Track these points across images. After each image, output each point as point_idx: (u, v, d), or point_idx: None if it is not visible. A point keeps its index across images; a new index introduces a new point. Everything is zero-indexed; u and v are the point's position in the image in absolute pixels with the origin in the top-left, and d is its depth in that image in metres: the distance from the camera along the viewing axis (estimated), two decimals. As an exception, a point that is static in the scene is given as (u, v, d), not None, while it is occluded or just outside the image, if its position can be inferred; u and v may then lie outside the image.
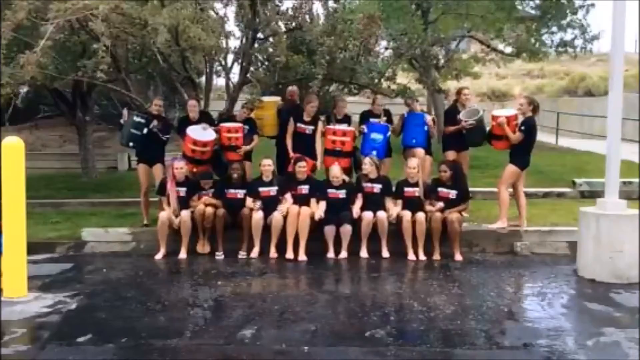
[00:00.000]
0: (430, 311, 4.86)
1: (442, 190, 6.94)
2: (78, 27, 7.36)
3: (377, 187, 7.01)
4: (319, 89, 8.17)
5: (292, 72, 8.46)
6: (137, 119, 7.35)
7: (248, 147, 7.48)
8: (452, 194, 6.92)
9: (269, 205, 6.87)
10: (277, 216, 6.75)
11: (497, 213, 7.37)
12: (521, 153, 7.02)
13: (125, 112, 7.56)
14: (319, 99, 7.87)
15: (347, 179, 7.15)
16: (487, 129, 7.44)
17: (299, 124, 7.51)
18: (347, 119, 7.74)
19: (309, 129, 7.51)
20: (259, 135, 7.74)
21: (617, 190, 5.98)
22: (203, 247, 6.92)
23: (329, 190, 6.95)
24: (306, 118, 7.50)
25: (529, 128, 6.91)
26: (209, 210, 6.80)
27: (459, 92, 7.87)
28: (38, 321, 4.69)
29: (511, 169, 7.04)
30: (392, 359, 3.91)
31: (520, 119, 7.05)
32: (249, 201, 6.92)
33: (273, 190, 7.00)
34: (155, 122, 7.38)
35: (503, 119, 6.97)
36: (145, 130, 7.32)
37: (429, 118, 7.71)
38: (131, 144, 7.49)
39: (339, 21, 7.95)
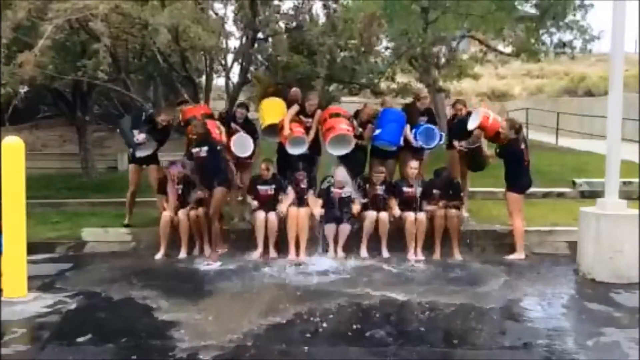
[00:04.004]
0: (430, 311, 4.86)
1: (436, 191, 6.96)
2: (78, 27, 7.36)
3: (380, 188, 7.02)
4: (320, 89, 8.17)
5: (292, 72, 8.47)
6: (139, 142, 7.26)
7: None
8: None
9: (268, 204, 6.88)
10: (272, 217, 6.75)
11: (497, 213, 7.38)
12: (515, 176, 6.72)
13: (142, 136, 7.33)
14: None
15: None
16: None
17: (301, 116, 7.51)
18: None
19: (309, 121, 7.52)
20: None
21: (617, 190, 5.98)
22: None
23: (333, 189, 6.95)
24: (307, 112, 7.51)
25: (507, 153, 6.71)
26: (196, 212, 6.82)
27: (454, 104, 7.96)
28: (38, 321, 4.69)
29: (511, 197, 6.73)
30: (392, 359, 3.91)
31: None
32: (249, 199, 6.98)
33: (271, 189, 7.00)
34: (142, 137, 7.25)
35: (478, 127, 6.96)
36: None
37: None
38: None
39: (339, 20, 7.96)
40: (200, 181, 6.83)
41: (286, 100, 7.77)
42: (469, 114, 7.69)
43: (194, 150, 6.72)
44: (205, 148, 6.62)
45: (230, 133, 7.45)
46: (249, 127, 7.61)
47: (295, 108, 7.45)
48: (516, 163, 6.70)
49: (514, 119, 7.27)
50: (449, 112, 8.06)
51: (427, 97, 8.07)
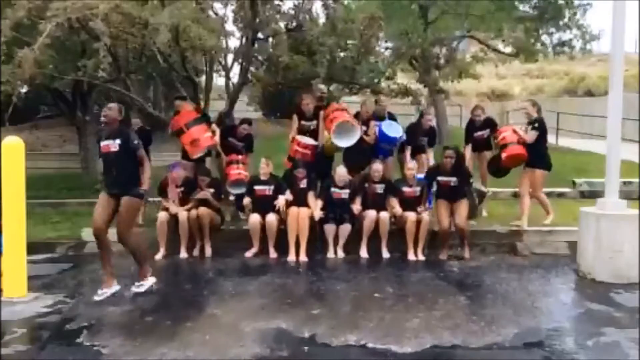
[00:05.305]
0: (430, 311, 4.86)
1: (442, 178, 6.82)
2: (78, 26, 7.35)
3: (380, 188, 7.01)
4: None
5: (292, 72, 8.45)
6: None
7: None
8: (453, 181, 6.77)
9: (266, 205, 6.86)
10: (271, 217, 6.74)
11: (497, 213, 7.40)
12: (542, 154, 7.13)
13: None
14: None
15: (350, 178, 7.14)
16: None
17: (302, 122, 7.55)
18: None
19: (312, 124, 7.54)
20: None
21: (617, 190, 5.98)
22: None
23: (333, 190, 6.94)
24: (307, 115, 7.52)
25: (542, 125, 7.11)
26: (197, 212, 6.81)
27: (473, 109, 8.09)
28: (38, 321, 4.69)
29: (540, 173, 7.14)
30: (392, 359, 3.91)
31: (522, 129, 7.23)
32: (246, 200, 6.96)
33: (269, 190, 6.98)
34: None
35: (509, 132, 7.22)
36: None
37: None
38: None
39: (339, 21, 7.96)
40: (105, 184, 5.37)
41: (297, 107, 7.75)
42: (487, 119, 7.90)
43: (103, 143, 5.24)
44: (117, 141, 5.15)
45: (226, 146, 7.49)
46: (248, 143, 7.68)
47: (294, 119, 7.50)
48: (544, 138, 7.10)
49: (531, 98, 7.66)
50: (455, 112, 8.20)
51: (430, 114, 8.21)
